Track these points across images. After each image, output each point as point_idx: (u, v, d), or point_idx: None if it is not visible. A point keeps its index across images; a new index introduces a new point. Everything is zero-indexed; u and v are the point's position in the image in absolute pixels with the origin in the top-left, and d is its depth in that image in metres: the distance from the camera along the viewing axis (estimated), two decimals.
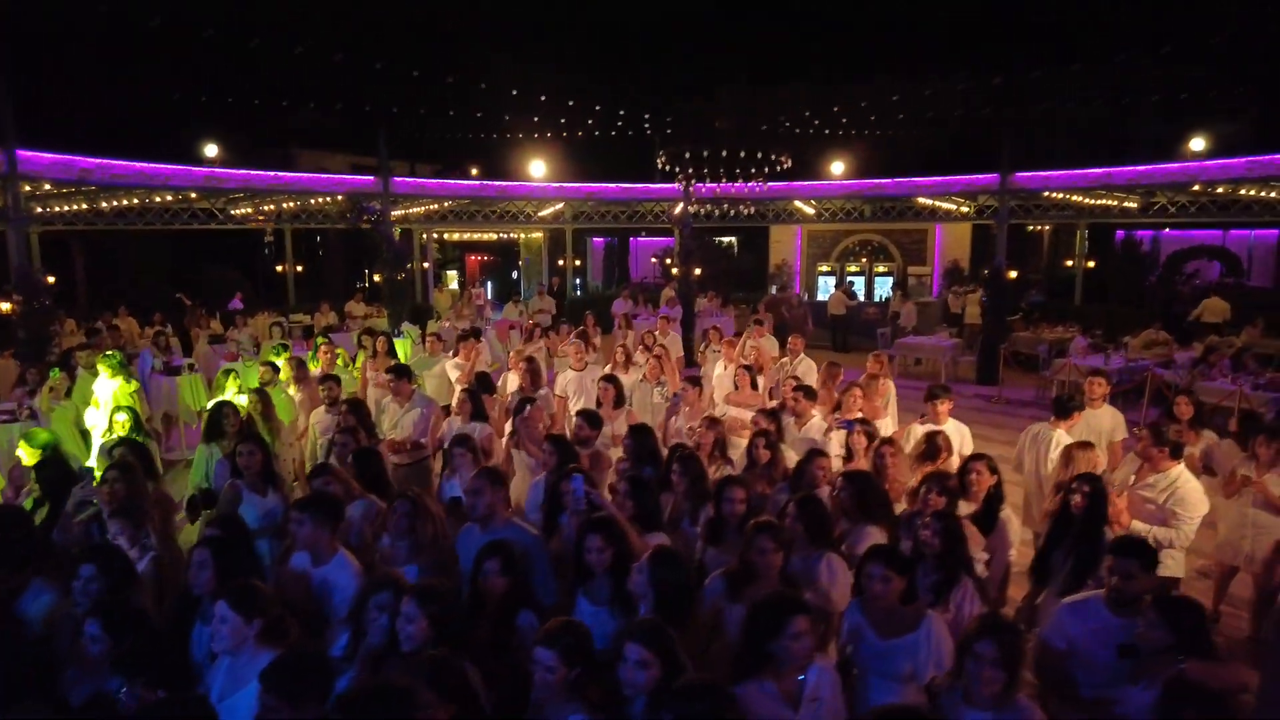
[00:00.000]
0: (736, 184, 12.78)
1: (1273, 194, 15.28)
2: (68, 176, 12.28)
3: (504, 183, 18.72)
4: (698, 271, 19.22)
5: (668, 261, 26.06)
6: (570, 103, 15.91)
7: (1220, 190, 15.19)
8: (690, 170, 12.60)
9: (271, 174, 15.18)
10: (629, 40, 30.49)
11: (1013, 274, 16.17)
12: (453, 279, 31.83)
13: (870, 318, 20.23)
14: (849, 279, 23.23)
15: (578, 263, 28.00)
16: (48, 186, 12.69)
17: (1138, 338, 15.51)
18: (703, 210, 20.73)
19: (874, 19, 27.56)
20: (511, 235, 30.49)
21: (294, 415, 7.67)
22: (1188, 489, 5.18)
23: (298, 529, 3.81)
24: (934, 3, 26.56)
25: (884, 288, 23.19)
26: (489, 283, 32.42)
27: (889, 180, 18.80)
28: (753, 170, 12.20)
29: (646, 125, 16.20)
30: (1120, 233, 23.55)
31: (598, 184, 19.43)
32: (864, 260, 23.65)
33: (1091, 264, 22.29)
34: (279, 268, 22.21)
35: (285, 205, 17.89)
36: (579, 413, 6.01)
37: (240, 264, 25.63)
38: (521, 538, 3.97)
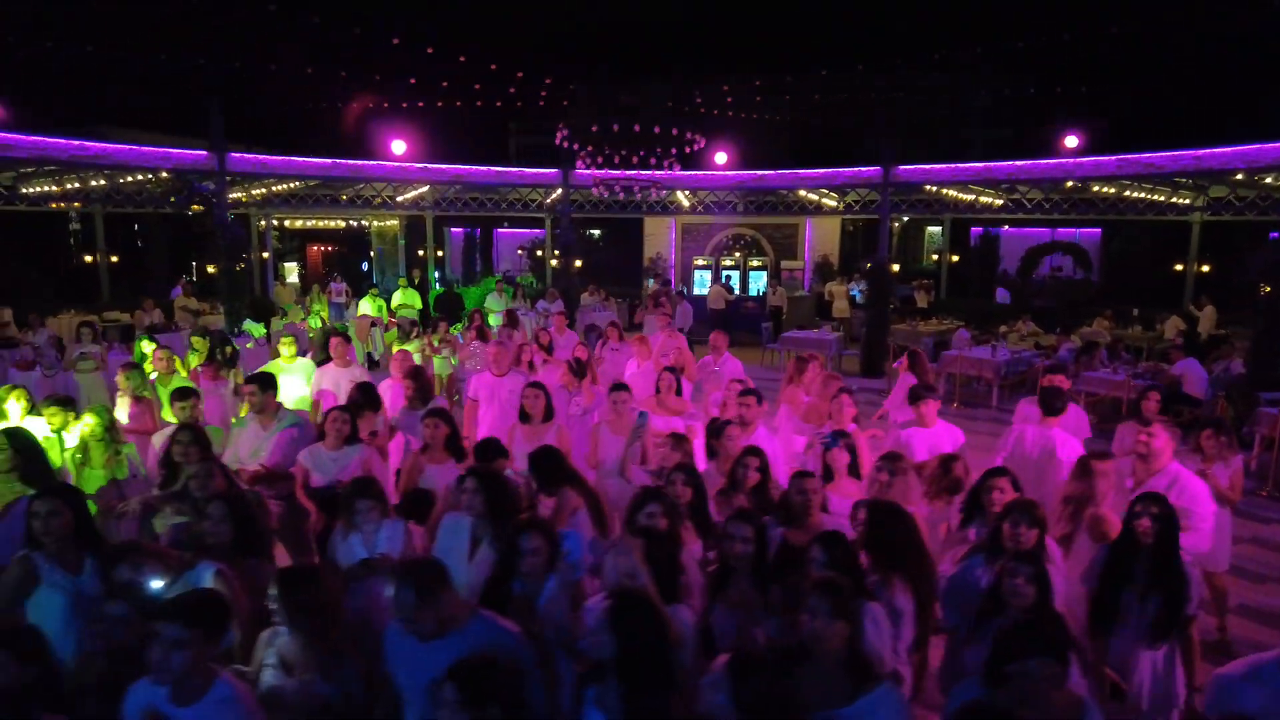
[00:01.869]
0: (627, 168, 11.74)
1: (1138, 193, 16.12)
2: None
3: (360, 162, 16.75)
4: (578, 264, 18.18)
5: (539, 253, 24.80)
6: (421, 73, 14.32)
7: (1097, 189, 15.85)
8: (591, 149, 11.46)
9: (76, 142, 12.60)
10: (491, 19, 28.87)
11: (896, 267, 16.17)
12: (292, 271, 28.91)
13: (749, 312, 19.94)
14: (725, 273, 22.86)
15: (439, 253, 26.10)
16: None
17: (1012, 330, 15.99)
18: (582, 199, 19.66)
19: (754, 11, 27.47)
20: (361, 223, 28.10)
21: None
22: (1192, 484, 4.73)
23: (166, 654, 2.46)
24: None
25: (758, 282, 23.01)
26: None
27: (773, 172, 18.46)
28: (667, 151, 11.23)
29: (519, 103, 14.84)
30: (976, 229, 24.59)
31: (466, 166, 17.86)
32: (738, 254, 23.35)
33: (955, 258, 23.09)
34: (89, 258, 19.04)
35: (94, 183, 15.17)
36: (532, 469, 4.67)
37: (33, 253, 21.88)
38: (501, 641, 2.76)
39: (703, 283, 22.49)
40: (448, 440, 5.37)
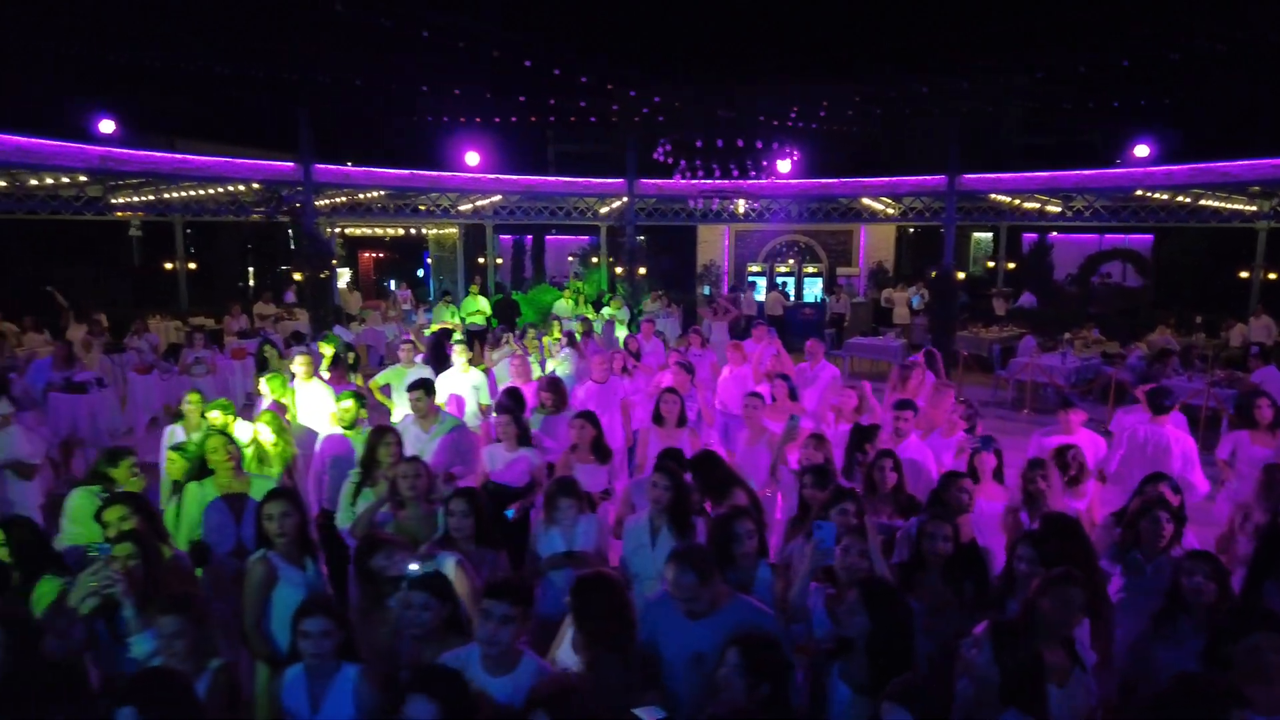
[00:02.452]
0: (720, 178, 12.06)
1: (1207, 200, 16.12)
2: None
3: (436, 173, 17.30)
4: (642, 271, 18.58)
5: (593, 260, 25.22)
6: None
7: (1162, 196, 15.92)
8: (686, 160, 11.86)
9: (179, 157, 13.26)
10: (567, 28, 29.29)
11: (961, 275, 16.36)
12: (342, 276, 29.65)
13: (807, 318, 20.15)
14: (780, 280, 23.12)
15: (499, 261, 26.64)
16: None
17: (1077, 337, 16.06)
18: (645, 207, 20.08)
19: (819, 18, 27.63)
20: (416, 231, 28.70)
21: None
22: None
23: (496, 629, 2.85)
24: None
25: (812, 289, 23.24)
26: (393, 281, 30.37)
27: (836, 180, 18.73)
28: (757, 162, 11.60)
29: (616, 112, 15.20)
30: (1029, 235, 24.60)
31: (537, 176, 18.34)
32: (792, 261, 23.61)
33: (1011, 265, 23.15)
34: (168, 265, 19.78)
35: (179, 195, 15.84)
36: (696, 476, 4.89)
37: (103, 261, 22.75)
38: (760, 621, 3.11)
39: (757, 289, 22.78)
40: (594, 442, 5.75)
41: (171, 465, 5.43)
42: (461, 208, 21.16)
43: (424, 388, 6.09)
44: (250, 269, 26.60)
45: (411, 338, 9.31)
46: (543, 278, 30.54)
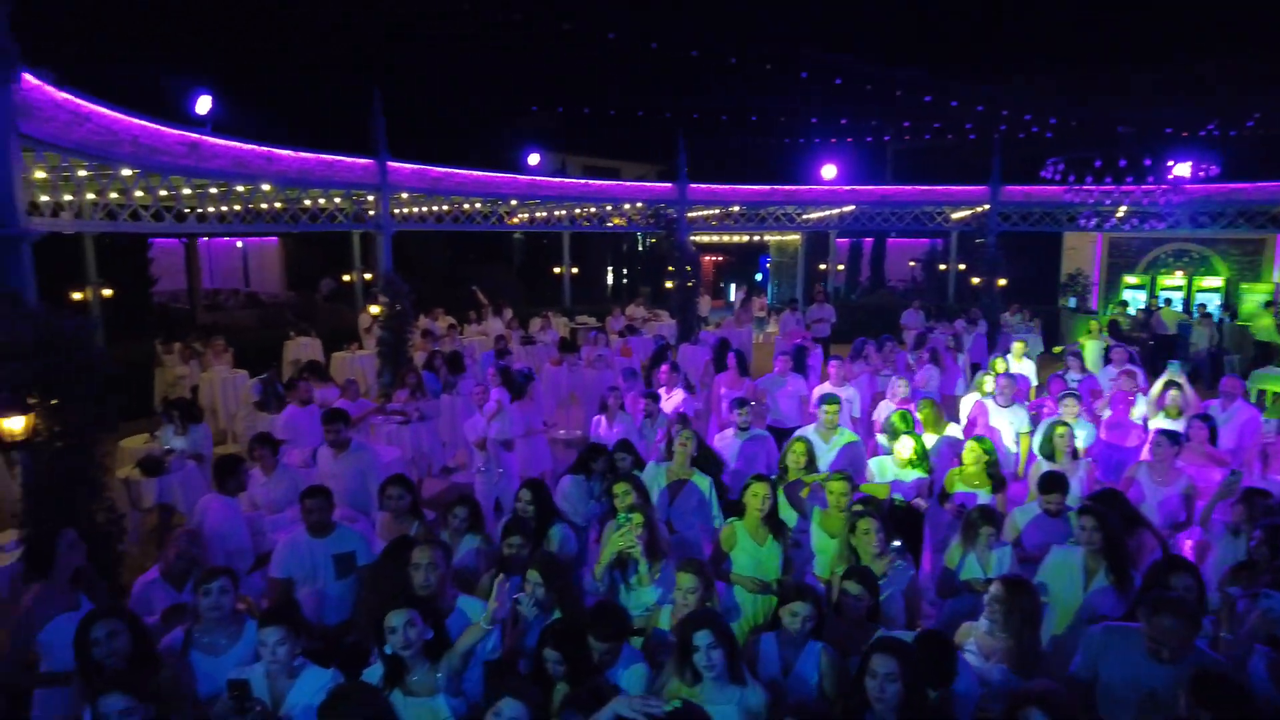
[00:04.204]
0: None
1: None
2: (421, 185, 13.15)
3: (793, 186, 18.17)
4: (1002, 282, 17.74)
5: (941, 267, 24.44)
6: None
7: None
8: (1078, 176, 11.34)
9: (584, 182, 15.60)
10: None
11: None
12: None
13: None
14: (1166, 294, 20.46)
15: (840, 267, 26.94)
16: (405, 195, 13.67)
17: None
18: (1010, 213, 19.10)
19: None
20: (756, 237, 29.93)
21: None
22: None
23: None
24: None
25: (1208, 306, 20.23)
26: (732, 285, 32.07)
27: (1249, 185, 16.23)
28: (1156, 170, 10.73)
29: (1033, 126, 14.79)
30: None
31: (893, 186, 18.37)
32: (1179, 273, 20.78)
33: None
34: (556, 269, 23.00)
35: (578, 211, 18.44)
36: None
37: (496, 264, 27.10)
38: (1219, 669, 3.27)
39: (1136, 302, 20.40)
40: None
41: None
42: (810, 216, 21.78)
43: (832, 402, 6.73)
44: (615, 273, 29.92)
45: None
46: (881, 282, 30.21)
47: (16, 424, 5.02)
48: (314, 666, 3.63)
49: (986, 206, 18.90)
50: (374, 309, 12.68)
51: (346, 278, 20.14)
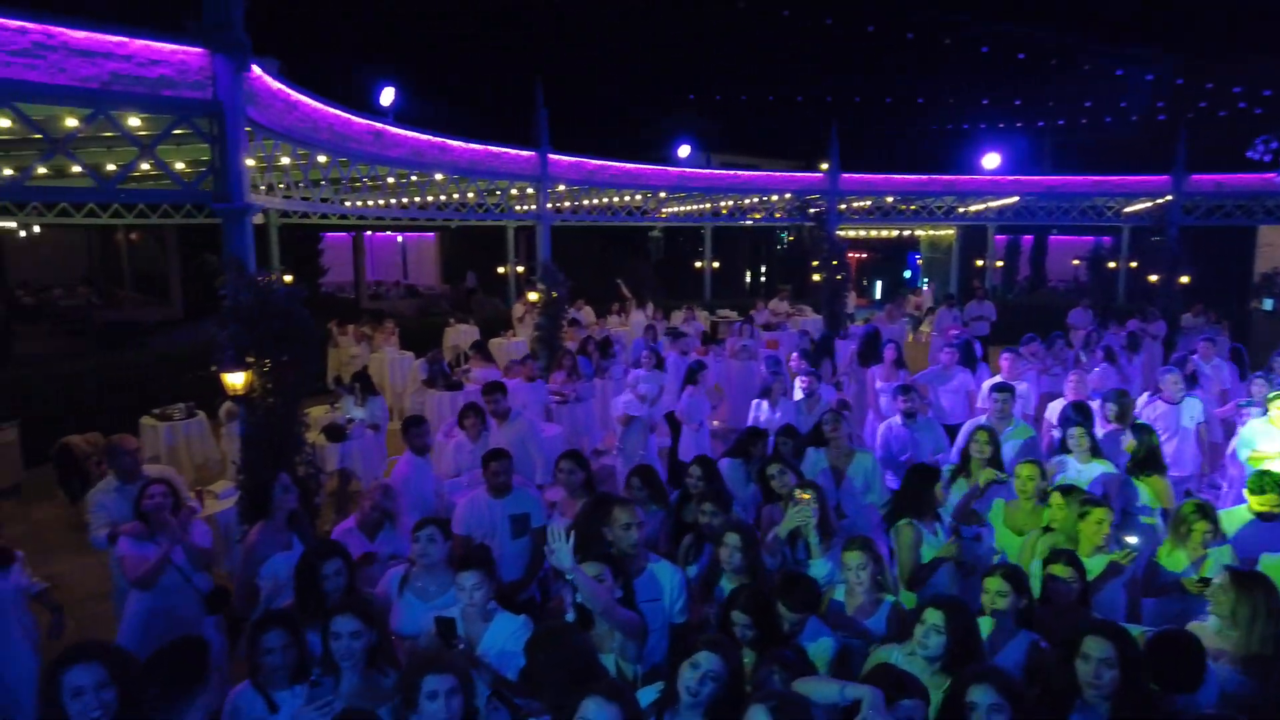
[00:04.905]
0: None
1: None
2: (578, 176, 13.53)
3: (953, 177, 17.38)
4: (1184, 280, 16.31)
5: (1112, 264, 22.69)
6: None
7: None
8: None
9: (730, 173, 15.55)
10: None
11: None
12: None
13: None
14: None
15: (999, 264, 25.62)
16: (561, 187, 14.11)
17: None
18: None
19: None
20: (906, 232, 28.88)
21: None
22: None
23: None
24: None
25: None
26: (878, 282, 31.14)
27: None
28: None
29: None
30: None
31: (1060, 176, 17.26)
32: None
33: None
34: (697, 264, 23.09)
35: (724, 204, 18.40)
36: None
37: (632, 258, 27.47)
38: None
39: None
40: None
41: None
42: (969, 209, 20.79)
43: (1005, 390, 6.41)
44: (753, 270, 29.70)
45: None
46: (1042, 281, 28.47)
47: (237, 379, 5.56)
48: (506, 613, 3.78)
49: (1168, 198, 17.41)
50: (532, 296, 13.17)
51: (501, 270, 21.04)
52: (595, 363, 11.17)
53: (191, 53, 5.53)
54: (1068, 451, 5.81)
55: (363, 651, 3.27)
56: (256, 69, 5.98)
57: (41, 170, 8.04)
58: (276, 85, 6.64)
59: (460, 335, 15.86)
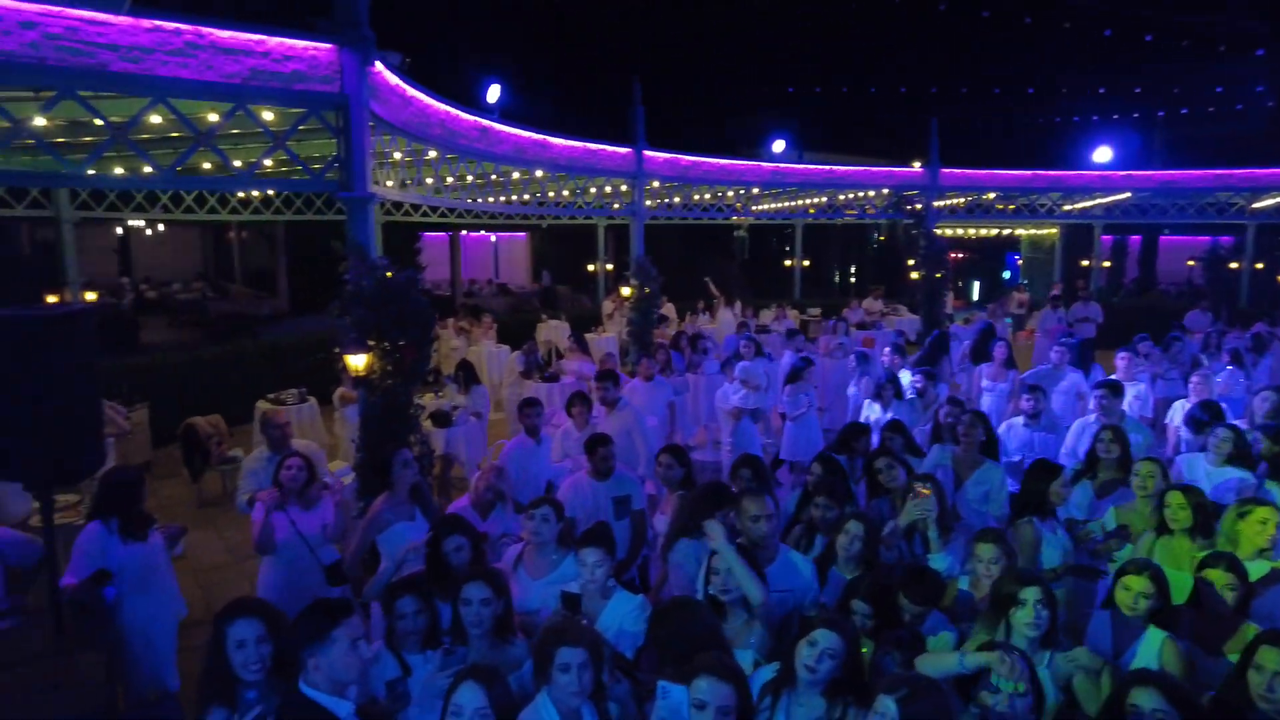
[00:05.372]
0: None
1: None
2: (672, 173, 13.57)
3: (1059, 172, 16.66)
4: None
5: (1233, 265, 21.34)
6: None
7: None
8: None
9: (825, 168, 15.32)
10: None
11: None
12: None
13: None
14: None
15: (1107, 264, 24.45)
16: (656, 183, 14.19)
17: None
18: None
19: None
20: (1006, 231, 27.81)
21: None
22: None
23: None
24: None
25: None
26: (975, 283, 30.09)
27: None
28: None
29: None
30: None
31: (1173, 171, 16.35)
32: None
33: None
34: (786, 263, 22.85)
35: (818, 200, 18.13)
36: None
37: (718, 257, 27.27)
38: None
39: None
40: None
41: None
42: (1075, 206, 19.88)
43: (1117, 388, 6.14)
44: (842, 269, 29.17)
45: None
46: (1151, 283, 27.01)
47: (359, 361, 5.80)
48: (624, 591, 3.82)
49: None
50: (625, 290, 13.31)
51: (590, 267, 21.34)
52: (687, 357, 11.19)
53: (321, 49, 5.81)
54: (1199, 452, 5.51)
55: (492, 619, 3.36)
56: (378, 64, 6.23)
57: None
58: (395, 81, 6.90)
59: (551, 331, 16.18)
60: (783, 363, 10.23)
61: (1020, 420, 6.78)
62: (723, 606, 3.49)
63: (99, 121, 5.59)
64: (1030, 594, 3.17)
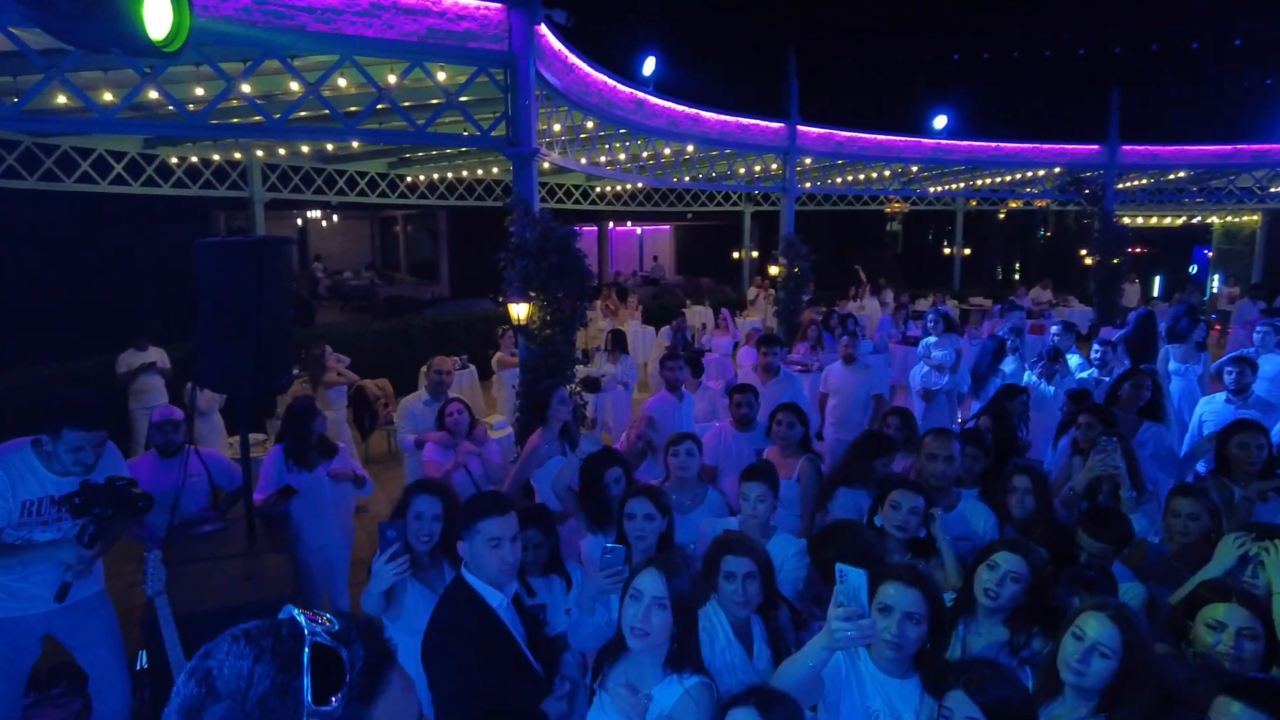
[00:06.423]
0: None
1: None
2: (825, 149, 13.17)
3: (1267, 145, 14.83)
4: None
5: None
6: None
7: None
8: None
9: (992, 145, 14.37)
10: None
11: None
12: None
13: None
14: None
15: None
16: (809, 161, 13.84)
17: None
18: None
19: None
20: (1195, 219, 25.11)
21: None
22: None
23: None
24: None
25: None
26: (1156, 278, 27.38)
27: None
28: None
29: None
30: None
31: None
32: None
33: None
34: (946, 250, 21.82)
35: (984, 181, 17.10)
36: None
37: (872, 245, 26.30)
38: None
39: None
40: None
41: None
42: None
43: None
44: (1004, 260, 27.47)
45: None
46: None
47: (520, 310, 5.99)
48: (785, 533, 3.74)
49: None
50: (773, 270, 13.11)
51: (736, 255, 21.24)
52: (837, 337, 10.89)
53: (492, 8, 6.03)
54: None
55: (655, 534, 3.37)
56: (542, 27, 6.40)
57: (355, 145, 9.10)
58: (558, 46, 7.07)
59: (695, 316, 16.24)
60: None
61: (1222, 397, 6.11)
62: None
63: (294, 85, 6.05)
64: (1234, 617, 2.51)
